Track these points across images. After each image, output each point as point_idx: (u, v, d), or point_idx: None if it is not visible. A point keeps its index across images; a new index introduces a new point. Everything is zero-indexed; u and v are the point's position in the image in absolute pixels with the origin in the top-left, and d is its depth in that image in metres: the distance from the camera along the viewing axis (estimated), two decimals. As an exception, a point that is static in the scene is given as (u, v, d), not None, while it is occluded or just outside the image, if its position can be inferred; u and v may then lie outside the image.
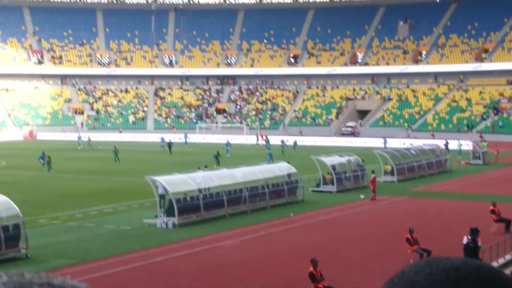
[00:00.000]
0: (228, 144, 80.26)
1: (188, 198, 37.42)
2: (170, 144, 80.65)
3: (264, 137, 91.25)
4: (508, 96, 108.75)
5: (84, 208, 40.36)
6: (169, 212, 35.22)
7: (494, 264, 25.41)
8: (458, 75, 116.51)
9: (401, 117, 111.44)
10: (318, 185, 48.66)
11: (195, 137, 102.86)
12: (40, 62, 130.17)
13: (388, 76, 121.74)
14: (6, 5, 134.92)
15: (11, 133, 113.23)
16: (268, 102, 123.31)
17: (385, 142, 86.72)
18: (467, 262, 1.59)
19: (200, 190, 38.23)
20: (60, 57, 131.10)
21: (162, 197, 37.47)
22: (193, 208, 36.71)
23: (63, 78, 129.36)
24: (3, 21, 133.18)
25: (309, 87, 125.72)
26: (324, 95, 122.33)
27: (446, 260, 1.61)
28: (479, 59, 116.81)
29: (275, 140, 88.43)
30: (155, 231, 33.69)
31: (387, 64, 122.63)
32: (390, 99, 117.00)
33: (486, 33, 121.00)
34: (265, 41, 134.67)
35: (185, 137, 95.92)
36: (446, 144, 73.86)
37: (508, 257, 26.15)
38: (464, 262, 1.58)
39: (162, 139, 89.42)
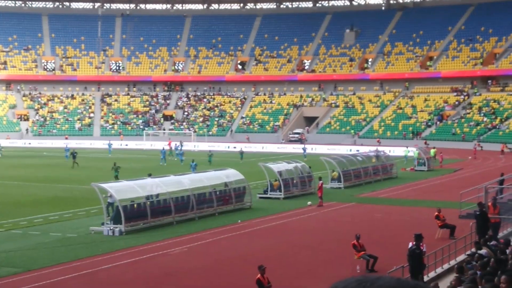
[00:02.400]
0: (163, 151, 76.33)
1: (135, 205, 37.18)
2: (74, 154, 71.72)
3: (177, 144, 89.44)
4: (452, 103, 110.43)
5: (29, 215, 39.80)
6: (116, 219, 34.96)
7: (439, 269, 25.76)
8: (403, 82, 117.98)
9: (347, 124, 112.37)
10: (265, 192, 48.76)
11: (142, 144, 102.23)
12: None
13: (335, 83, 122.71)
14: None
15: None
16: (216, 108, 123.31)
17: (304, 151, 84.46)
18: (403, 282, 1.51)
19: (147, 197, 37.99)
20: (5, 63, 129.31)
21: (111, 204, 37.10)
22: (140, 215, 36.48)
23: (8, 84, 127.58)
24: None
25: (257, 94, 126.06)
26: (271, 102, 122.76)
27: (380, 280, 1.54)
28: (424, 66, 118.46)
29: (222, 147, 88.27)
30: (102, 239, 33.38)
31: (334, 71, 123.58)
32: (337, 106, 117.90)
33: (431, 41, 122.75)
34: (213, 47, 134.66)
35: (109, 145, 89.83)
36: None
37: (452, 262, 26.50)
38: (399, 282, 1.50)
39: (67, 149, 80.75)
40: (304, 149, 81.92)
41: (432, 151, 73.78)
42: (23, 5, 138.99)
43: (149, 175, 43.49)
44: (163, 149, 78.37)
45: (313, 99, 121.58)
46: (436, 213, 33.59)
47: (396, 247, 29.99)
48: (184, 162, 71.19)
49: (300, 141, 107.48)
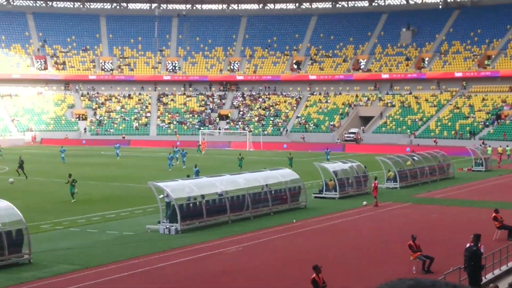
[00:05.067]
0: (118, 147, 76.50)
1: (191, 204, 37.46)
2: (20, 163, 61.17)
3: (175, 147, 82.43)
4: (511, 102, 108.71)
5: (86, 213, 40.39)
6: (172, 218, 35.24)
7: (497, 271, 25.40)
8: (460, 81, 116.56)
9: (403, 123, 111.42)
10: (320, 191, 48.68)
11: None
12: (43, 68, 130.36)
13: (391, 83, 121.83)
14: (10, 11, 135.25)
15: (14, 139, 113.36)
16: (271, 108, 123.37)
17: (327, 154, 78.09)
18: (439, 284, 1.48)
19: (203, 196, 38.20)
20: (64, 63, 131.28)
21: (167, 203, 37.33)
22: (196, 214, 36.73)
23: (66, 84, 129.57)
24: (7, 27, 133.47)
25: (312, 94, 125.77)
26: (326, 101, 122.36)
27: (434, 287, 1.50)
28: (481, 65, 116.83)
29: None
30: (158, 237, 33.69)
31: (390, 70, 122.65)
32: (393, 105, 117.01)
33: (489, 40, 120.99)
34: (268, 47, 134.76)
35: (116, 148, 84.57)
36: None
37: (510, 264, 26.12)
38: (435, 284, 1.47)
39: (62, 150, 77.37)
40: (327, 152, 78.32)
41: (508, 149, 74.15)
42: (81, 6, 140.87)
43: (188, 176, 44.10)
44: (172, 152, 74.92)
45: (368, 99, 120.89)
46: (494, 214, 33.11)
47: (453, 248, 29.67)
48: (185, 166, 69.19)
49: (356, 141, 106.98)
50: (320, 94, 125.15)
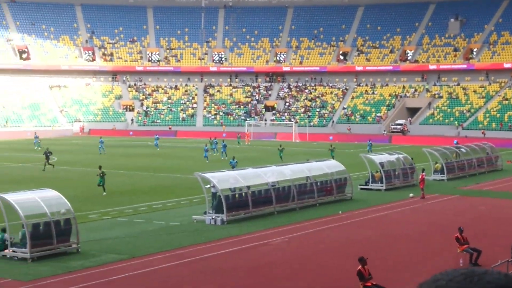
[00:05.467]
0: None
1: (237, 195, 37.58)
2: (47, 154, 60.04)
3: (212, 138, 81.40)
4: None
5: (133, 204, 40.77)
6: (218, 209, 35.39)
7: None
8: (510, 72, 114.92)
9: (451, 115, 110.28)
10: (366, 183, 48.47)
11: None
12: (91, 59, 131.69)
13: (438, 74, 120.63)
14: (59, 3, 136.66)
15: (63, 129, 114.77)
16: (317, 99, 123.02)
17: (369, 146, 76.66)
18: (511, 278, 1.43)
19: (249, 187, 38.26)
20: (111, 54, 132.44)
21: (214, 194, 37.43)
22: (242, 205, 36.83)
23: (114, 75, 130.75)
24: (56, 19, 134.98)
25: (358, 85, 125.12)
26: (373, 93, 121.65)
27: (487, 275, 1.46)
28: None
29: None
30: (204, 228, 33.87)
31: (438, 61, 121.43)
32: (440, 96, 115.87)
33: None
34: (315, 38, 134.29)
35: (156, 139, 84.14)
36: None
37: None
38: (508, 278, 1.42)
39: (36, 139, 79.01)
40: (369, 144, 76.44)
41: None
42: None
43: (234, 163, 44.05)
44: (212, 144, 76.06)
45: (415, 90, 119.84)
46: (457, 234, 32.43)
47: (501, 241, 29.32)
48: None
49: (402, 132, 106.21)
50: (366, 85, 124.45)
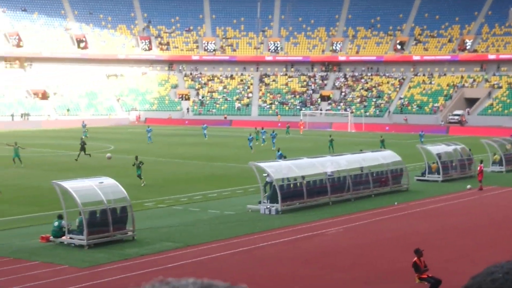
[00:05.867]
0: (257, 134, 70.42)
1: (292, 185, 37.49)
2: (82, 144, 58.63)
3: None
4: None
5: (188, 192, 40.94)
6: (273, 198, 35.34)
7: None
8: None
9: (511, 105, 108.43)
10: (423, 174, 47.94)
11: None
12: (148, 48, 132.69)
13: (498, 64, 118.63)
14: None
15: (119, 118, 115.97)
16: (373, 89, 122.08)
17: (421, 137, 74.50)
18: None
19: (303, 177, 38.12)
20: (168, 44, 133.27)
21: (268, 183, 37.40)
22: (297, 195, 36.73)
23: (170, 64, 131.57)
24: (113, 8, 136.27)
25: (416, 74, 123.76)
26: (431, 83, 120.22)
27: None
28: None
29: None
30: (259, 217, 33.85)
31: (497, 51, 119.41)
32: (499, 87, 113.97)
33: None
34: (371, 27, 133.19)
35: (204, 129, 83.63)
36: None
37: None
38: None
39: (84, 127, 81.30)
40: (421, 135, 74.31)
41: None
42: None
43: (284, 157, 43.55)
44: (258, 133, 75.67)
45: (474, 80, 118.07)
46: (415, 259, 31.30)
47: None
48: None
49: (460, 123, 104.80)
50: (424, 75, 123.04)
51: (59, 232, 27.79)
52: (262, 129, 77.69)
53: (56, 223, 27.85)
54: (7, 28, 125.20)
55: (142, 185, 43.39)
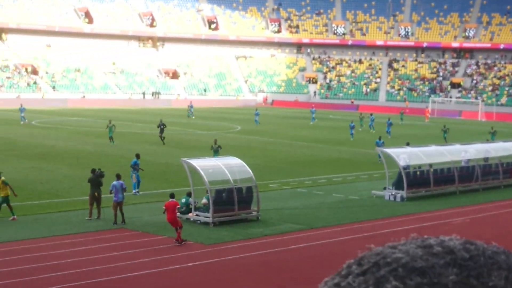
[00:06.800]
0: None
1: (418, 172, 36.97)
2: (161, 127, 54.67)
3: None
4: None
5: (313, 175, 41.00)
6: (398, 185, 34.96)
7: None
8: None
9: None
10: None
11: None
12: (277, 31, 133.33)
13: None
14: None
15: (246, 99, 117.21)
16: (507, 77, 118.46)
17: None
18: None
19: (430, 165, 37.49)
20: (297, 26, 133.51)
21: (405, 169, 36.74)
22: (423, 183, 36.18)
23: (299, 47, 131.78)
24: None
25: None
26: None
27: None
28: None
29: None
30: (383, 203, 33.58)
31: None
32: None
33: None
34: (507, 14, 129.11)
35: (312, 112, 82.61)
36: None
37: None
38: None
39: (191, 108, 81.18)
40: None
41: None
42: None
43: (407, 143, 42.37)
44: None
45: None
46: None
47: None
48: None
49: None
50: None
51: (186, 209, 28.43)
52: (371, 114, 75.34)
53: (183, 200, 28.49)
54: (142, 8, 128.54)
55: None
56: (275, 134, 64.18)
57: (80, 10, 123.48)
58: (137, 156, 34.37)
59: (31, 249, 23.36)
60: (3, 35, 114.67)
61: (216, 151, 41.74)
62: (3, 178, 27.83)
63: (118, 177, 27.76)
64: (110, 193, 27.45)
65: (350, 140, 61.11)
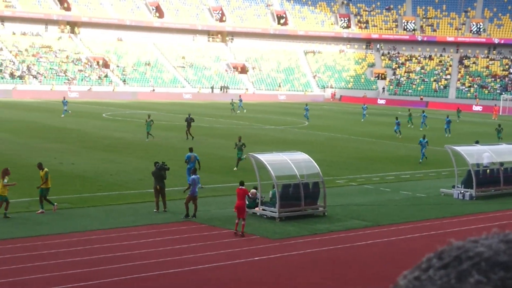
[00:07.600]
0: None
1: (488, 171, 36.39)
2: (189, 121, 52.56)
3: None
4: None
5: (381, 172, 40.75)
6: (467, 184, 34.49)
7: None
8: None
9: None
10: None
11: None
12: (346, 26, 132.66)
13: None
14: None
15: (314, 94, 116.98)
16: None
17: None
18: None
19: (501, 164, 36.83)
20: (367, 22, 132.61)
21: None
22: (492, 181, 35.60)
23: (368, 43, 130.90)
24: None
25: None
26: None
27: None
28: None
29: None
30: (451, 201, 33.18)
31: None
32: None
33: None
34: None
35: (364, 109, 79.78)
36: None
37: None
38: None
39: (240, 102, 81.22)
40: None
41: None
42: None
43: (477, 142, 41.56)
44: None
45: None
46: None
47: None
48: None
49: None
50: None
51: (252, 203, 28.53)
52: (423, 112, 74.39)
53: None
54: (211, 2, 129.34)
55: (234, 169, 39.14)
56: (343, 130, 63.93)
57: (151, 4, 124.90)
58: (190, 149, 33.85)
59: (100, 239, 23.78)
60: (76, 29, 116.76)
61: (240, 149, 39.23)
62: (46, 169, 27.40)
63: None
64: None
65: (399, 137, 59.38)
